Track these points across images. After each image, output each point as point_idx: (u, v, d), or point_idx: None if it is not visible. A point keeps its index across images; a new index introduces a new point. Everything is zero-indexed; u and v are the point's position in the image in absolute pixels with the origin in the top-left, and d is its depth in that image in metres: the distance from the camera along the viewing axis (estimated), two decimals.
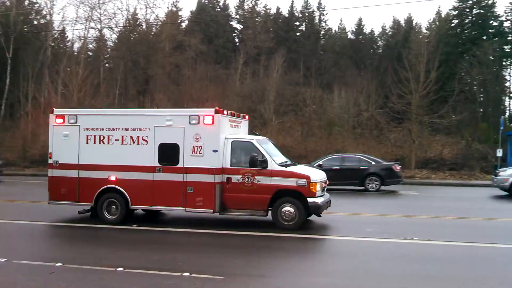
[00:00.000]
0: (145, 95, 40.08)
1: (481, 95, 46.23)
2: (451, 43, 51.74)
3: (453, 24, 55.83)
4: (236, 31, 65.58)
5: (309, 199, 11.40)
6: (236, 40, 64.18)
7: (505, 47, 51.65)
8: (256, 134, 13.44)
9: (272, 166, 11.49)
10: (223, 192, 11.62)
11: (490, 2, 53.70)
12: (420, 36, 51.34)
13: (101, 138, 12.15)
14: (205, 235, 11.41)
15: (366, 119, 36.12)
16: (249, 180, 11.52)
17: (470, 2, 54.40)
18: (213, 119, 11.55)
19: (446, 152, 32.41)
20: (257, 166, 11.40)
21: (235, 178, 11.59)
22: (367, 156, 23.11)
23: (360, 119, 36.49)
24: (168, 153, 11.73)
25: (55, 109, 12.86)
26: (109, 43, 50.45)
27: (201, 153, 11.54)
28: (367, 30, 66.31)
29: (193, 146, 11.57)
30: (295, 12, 65.25)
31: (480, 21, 53.38)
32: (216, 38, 58.71)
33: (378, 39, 65.50)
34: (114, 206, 12.12)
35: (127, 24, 43.94)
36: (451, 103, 34.79)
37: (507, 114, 48.13)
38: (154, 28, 45.05)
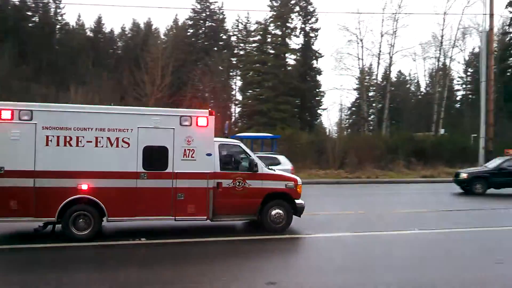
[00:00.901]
0: None
1: (212, 101, 50.47)
2: (186, 51, 55.17)
3: (188, 33, 59.56)
4: None
5: (297, 201, 11.61)
6: None
7: (232, 59, 57.61)
8: (227, 137, 12.66)
9: (262, 169, 11.45)
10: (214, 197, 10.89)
11: (220, 17, 59.27)
12: (158, 42, 53.15)
13: (68, 139, 10.01)
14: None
15: None
16: (240, 184, 11.15)
17: (204, 14, 59.00)
18: (207, 121, 10.81)
19: None
20: (252, 170, 11.22)
21: (226, 182, 11.05)
22: None
23: None
24: (155, 157, 10.47)
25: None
26: None
27: (193, 157, 10.64)
28: (106, 29, 65.30)
29: (185, 150, 10.60)
30: (28, 0, 59.86)
31: (212, 33, 58.42)
32: None
33: (118, 39, 65.15)
34: (82, 220, 10.07)
35: None
36: (184, 108, 36.96)
37: (232, 119, 53.66)
38: None
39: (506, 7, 65.00)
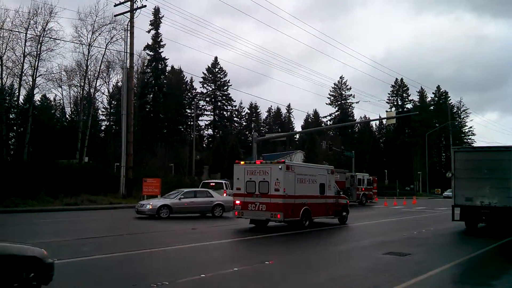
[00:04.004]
0: None
1: None
2: None
3: None
4: None
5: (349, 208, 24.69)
6: None
7: None
8: None
9: (341, 194, 23.82)
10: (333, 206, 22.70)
11: None
12: None
13: (302, 180, 19.97)
14: None
15: None
16: (336, 201, 22.55)
17: None
18: (334, 171, 23.29)
19: None
20: (339, 194, 23.03)
21: (332, 200, 22.17)
22: None
23: None
24: (321, 188, 21.18)
25: (286, 161, 20.29)
26: None
27: (330, 188, 21.93)
28: None
29: (329, 185, 21.78)
30: None
31: None
32: None
33: None
34: (304, 218, 19.87)
35: None
36: None
37: None
38: None
39: (144, 49, 71.99)
